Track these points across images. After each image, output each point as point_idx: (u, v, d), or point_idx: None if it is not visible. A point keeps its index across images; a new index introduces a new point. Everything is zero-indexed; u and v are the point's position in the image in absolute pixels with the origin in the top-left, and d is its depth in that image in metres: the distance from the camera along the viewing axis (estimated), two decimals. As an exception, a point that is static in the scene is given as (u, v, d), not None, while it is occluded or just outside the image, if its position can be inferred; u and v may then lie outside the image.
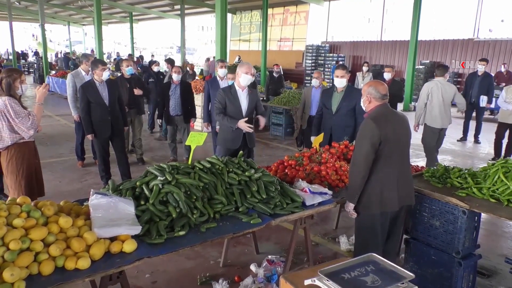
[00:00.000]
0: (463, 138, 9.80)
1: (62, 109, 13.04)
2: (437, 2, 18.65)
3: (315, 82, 6.80)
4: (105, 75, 5.37)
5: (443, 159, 7.93)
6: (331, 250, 4.30)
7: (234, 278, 3.58)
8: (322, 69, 21.70)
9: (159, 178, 2.87)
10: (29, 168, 3.91)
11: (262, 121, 4.71)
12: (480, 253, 3.44)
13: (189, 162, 3.21)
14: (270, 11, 23.03)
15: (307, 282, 1.81)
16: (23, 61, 29.26)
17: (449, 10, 19.03)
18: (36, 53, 35.01)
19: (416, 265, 3.51)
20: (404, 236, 3.66)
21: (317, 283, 1.77)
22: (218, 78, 6.58)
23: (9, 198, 2.55)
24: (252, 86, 6.47)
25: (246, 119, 4.54)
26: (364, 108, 3.10)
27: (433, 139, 6.48)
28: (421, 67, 18.16)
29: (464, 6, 18.22)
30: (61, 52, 32.67)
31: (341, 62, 21.00)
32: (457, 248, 3.20)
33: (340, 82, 5.03)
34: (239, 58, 23.09)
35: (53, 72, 19.49)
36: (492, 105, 10.10)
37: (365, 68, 10.80)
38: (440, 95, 6.27)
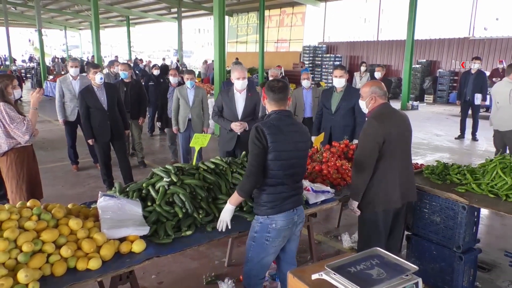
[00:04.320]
0: (461, 136, 9.89)
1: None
2: (433, 2, 18.77)
3: (306, 83, 6.73)
4: (98, 78, 5.38)
5: (441, 156, 8.01)
6: (333, 248, 4.36)
7: (239, 277, 3.62)
8: (319, 69, 21.80)
9: (164, 179, 2.93)
10: (29, 172, 3.96)
11: (237, 126, 4.54)
12: (480, 247, 3.50)
13: (193, 163, 3.27)
14: (266, 12, 23.11)
15: (315, 276, 1.87)
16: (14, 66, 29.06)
17: (444, 9, 19.17)
18: (30, 59, 34.94)
19: (417, 261, 3.57)
20: (406, 233, 3.72)
21: (324, 277, 1.83)
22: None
23: (11, 202, 2.59)
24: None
25: (239, 123, 4.54)
26: (366, 109, 3.14)
27: (497, 143, 6.21)
28: (417, 66, 18.29)
29: (460, 5, 18.35)
30: (59, 58, 32.62)
31: (337, 63, 21.13)
32: (457, 243, 3.26)
33: (339, 82, 5.09)
34: (237, 60, 23.15)
35: (51, 77, 19.50)
36: (487, 103, 10.18)
37: (363, 68, 10.87)
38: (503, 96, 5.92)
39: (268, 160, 2.53)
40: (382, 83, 3.17)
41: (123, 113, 5.82)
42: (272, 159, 2.52)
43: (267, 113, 2.74)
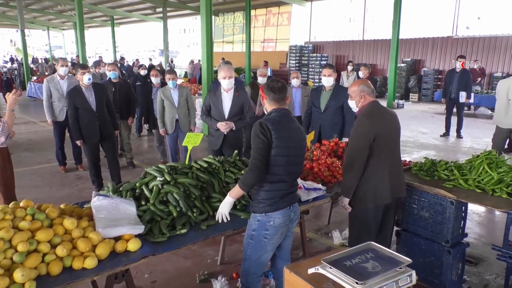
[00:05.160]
0: (446, 133, 10.07)
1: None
2: (417, 1, 19.03)
3: (295, 82, 6.76)
4: (85, 79, 5.32)
5: (427, 154, 8.14)
6: (324, 244, 4.41)
7: (232, 275, 3.65)
8: (306, 69, 21.91)
9: (158, 178, 2.93)
10: (4, 174, 3.90)
11: (223, 125, 4.58)
12: (467, 241, 3.59)
13: (186, 162, 3.28)
14: (253, 12, 23.13)
15: (311, 270, 1.90)
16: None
17: (428, 9, 19.45)
18: (11, 60, 34.32)
19: (407, 255, 3.61)
20: (395, 228, 3.79)
21: (321, 271, 1.86)
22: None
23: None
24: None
25: (225, 123, 4.56)
26: (356, 108, 3.19)
27: (496, 138, 6.10)
28: (403, 65, 18.53)
29: (443, 4, 18.65)
30: (41, 58, 32.14)
31: (324, 62, 21.28)
32: (446, 237, 3.33)
33: (328, 80, 5.14)
34: (223, 60, 23.14)
35: (34, 78, 19.21)
36: (471, 100, 10.38)
37: (349, 68, 11.00)
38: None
39: (271, 155, 2.56)
40: (369, 81, 3.24)
41: (112, 114, 5.76)
42: (275, 154, 2.55)
43: (265, 112, 2.76)
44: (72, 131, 5.59)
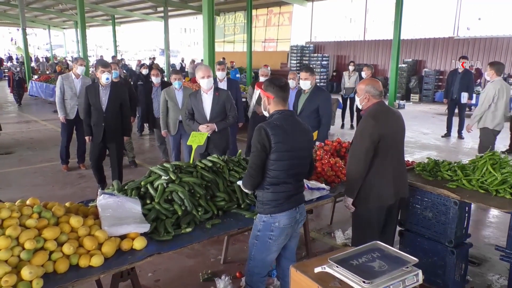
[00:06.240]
0: (447, 134, 10.08)
1: (47, 114, 12.92)
2: (418, 1, 19.04)
3: (292, 83, 6.71)
4: (104, 77, 5.20)
5: (429, 154, 8.15)
6: (327, 244, 4.42)
7: (235, 274, 3.66)
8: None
9: (163, 177, 2.94)
10: None
11: (204, 128, 4.48)
12: (470, 242, 3.59)
13: (191, 161, 3.29)
14: (254, 12, 23.14)
15: (318, 269, 1.91)
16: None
17: (429, 9, 19.47)
18: (10, 58, 34.30)
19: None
20: (398, 228, 3.79)
21: (328, 270, 1.87)
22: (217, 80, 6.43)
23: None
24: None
25: (206, 125, 4.49)
26: (360, 107, 3.21)
27: (492, 142, 6.09)
28: (404, 65, 18.54)
29: (444, 5, 18.67)
30: (43, 57, 32.15)
31: (325, 62, 21.29)
32: (449, 237, 3.34)
33: (304, 84, 5.08)
34: (223, 59, 23.13)
35: (35, 76, 19.21)
36: (473, 101, 10.39)
37: (351, 68, 10.99)
38: (505, 96, 5.84)
39: (270, 160, 2.54)
40: (379, 82, 3.19)
41: (126, 119, 5.60)
42: (275, 159, 2.54)
43: (266, 115, 2.74)
44: (84, 125, 5.54)
